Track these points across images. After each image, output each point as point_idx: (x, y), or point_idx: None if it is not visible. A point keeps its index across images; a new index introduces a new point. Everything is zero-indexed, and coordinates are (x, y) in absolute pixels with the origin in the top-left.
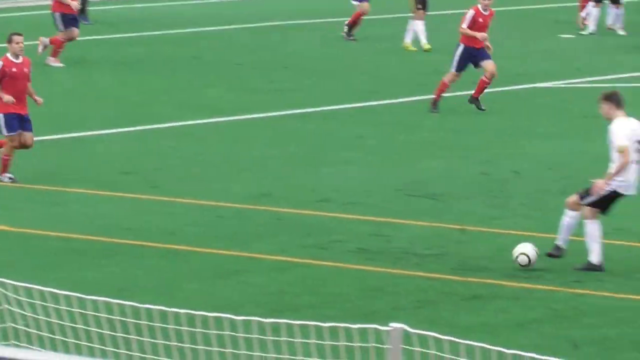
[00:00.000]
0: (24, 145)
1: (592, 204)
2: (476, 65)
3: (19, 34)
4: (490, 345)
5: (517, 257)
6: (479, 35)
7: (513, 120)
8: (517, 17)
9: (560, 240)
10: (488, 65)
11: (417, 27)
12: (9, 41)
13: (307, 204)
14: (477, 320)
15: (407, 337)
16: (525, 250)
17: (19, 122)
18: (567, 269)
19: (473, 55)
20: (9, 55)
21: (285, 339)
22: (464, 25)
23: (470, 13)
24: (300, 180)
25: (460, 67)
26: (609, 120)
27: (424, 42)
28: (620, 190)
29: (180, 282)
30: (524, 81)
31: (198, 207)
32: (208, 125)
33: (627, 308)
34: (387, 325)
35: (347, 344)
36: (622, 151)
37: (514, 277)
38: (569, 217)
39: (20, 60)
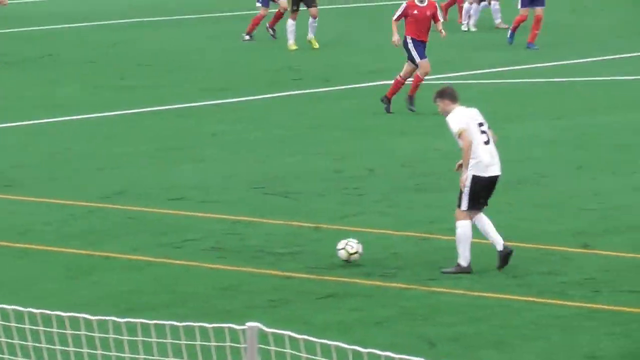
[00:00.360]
0: None
1: (470, 204)
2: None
3: None
4: (346, 344)
5: (338, 251)
6: (394, 38)
7: (367, 117)
8: (374, 12)
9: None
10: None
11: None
12: None
13: (161, 203)
14: (332, 318)
15: (263, 336)
16: (342, 246)
17: None
18: (421, 267)
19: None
20: None
21: (141, 338)
22: (394, 17)
23: (402, 5)
24: (155, 178)
25: (422, 54)
26: (446, 115)
27: (291, 43)
28: (479, 173)
29: (34, 281)
30: (379, 77)
31: (52, 205)
32: (62, 123)
33: (483, 306)
34: (243, 324)
35: (203, 343)
36: (461, 134)
37: (368, 275)
38: (468, 228)
39: None
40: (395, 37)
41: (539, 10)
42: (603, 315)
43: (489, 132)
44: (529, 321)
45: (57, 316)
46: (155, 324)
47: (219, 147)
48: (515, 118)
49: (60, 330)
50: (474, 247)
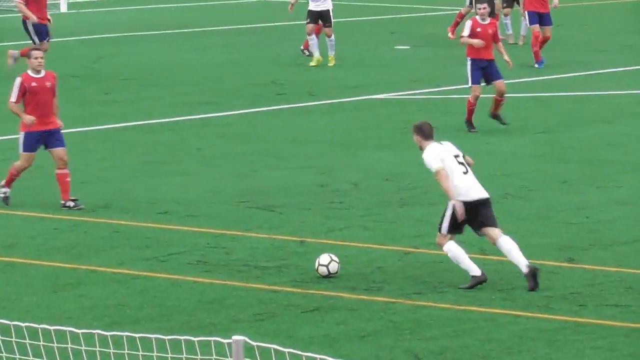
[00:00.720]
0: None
1: (450, 229)
2: (487, 82)
3: (38, 49)
4: (332, 357)
5: (317, 268)
6: (474, 42)
7: (350, 132)
8: (353, 28)
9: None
10: (497, 84)
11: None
12: (28, 57)
13: (146, 216)
14: (318, 332)
15: (248, 350)
16: (324, 262)
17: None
18: (406, 281)
19: (482, 68)
20: (29, 71)
21: (127, 352)
22: (464, 34)
23: (468, 23)
24: (140, 192)
25: (476, 80)
26: (421, 150)
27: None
28: (461, 198)
29: (19, 295)
30: (363, 92)
31: (36, 219)
32: None
33: (468, 319)
34: (229, 338)
35: (190, 356)
36: (438, 173)
37: (353, 289)
38: (454, 247)
39: (41, 74)
40: (475, 41)
41: (546, 30)
42: (588, 329)
43: (465, 161)
44: (514, 335)
45: (44, 329)
46: (142, 338)
47: (203, 161)
48: (500, 132)
49: (48, 344)
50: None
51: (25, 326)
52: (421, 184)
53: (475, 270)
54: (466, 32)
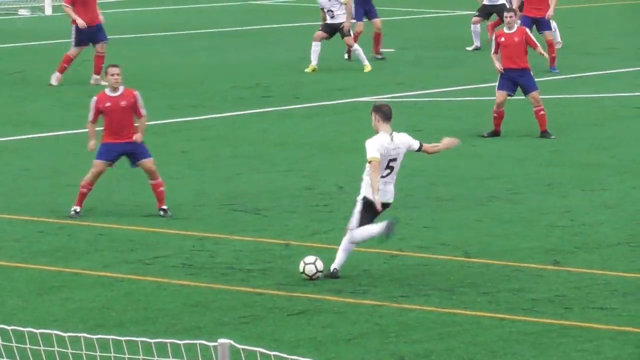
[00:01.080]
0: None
1: (359, 223)
2: (524, 93)
3: (115, 66)
4: None
5: (303, 268)
6: (496, 65)
7: (335, 135)
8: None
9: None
10: (530, 96)
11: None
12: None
13: (131, 219)
14: (303, 335)
15: (234, 353)
16: (310, 260)
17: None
18: (392, 284)
19: (512, 77)
20: (106, 89)
21: (113, 354)
22: (492, 52)
23: (493, 38)
24: (125, 195)
25: (500, 86)
26: (376, 132)
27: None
28: (368, 196)
29: (3, 298)
30: (348, 95)
31: (21, 222)
32: (31, 140)
33: (453, 322)
34: (214, 341)
35: (175, 359)
36: (371, 162)
37: (339, 292)
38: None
39: (118, 92)
40: (497, 65)
41: (546, 34)
42: (574, 332)
43: (397, 165)
44: (499, 338)
45: (30, 332)
46: (127, 341)
47: (188, 164)
48: (492, 137)
49: (34, 347)
50: (443, 265)
51: (11, 329)
52: (407, 187)
53: (337, 264)
54: (492, 47)
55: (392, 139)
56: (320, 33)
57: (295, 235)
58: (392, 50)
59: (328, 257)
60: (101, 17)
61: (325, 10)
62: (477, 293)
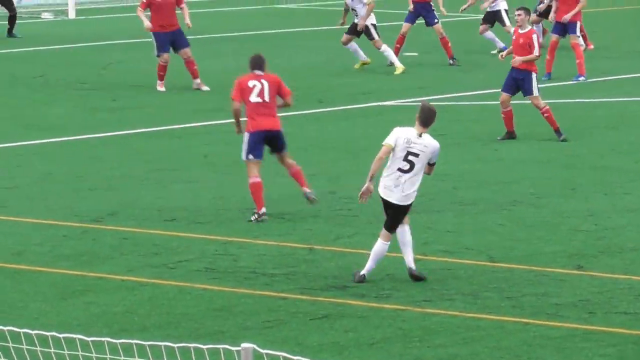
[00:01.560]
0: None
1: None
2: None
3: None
4: None
5: None
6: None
7: (360, 138)
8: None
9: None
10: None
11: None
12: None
13: (154, 223)
14: (327, 339)
15: (257, 357)
16: None
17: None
18: (416, 288)
19: (515, 79)
20: None
21: (137, 359)
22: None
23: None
24: (147, 199)
25: (503, 87)
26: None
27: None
28: (381, 194)
29: (27, 302)
30: (372, 99)
31: (45, 226)
32: (54, 144)
33: (477, 327)
34: (237, 345)
35: None
36: (381, 148)
37: (362, 297)
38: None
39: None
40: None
41: (571, 37)
42: (597, 337)
43: (418, 164)
44: (523, 342)
45: (54, 337)
46: (151, 345)
47: (211, 168)
48: (507, 140)
49: (58, 351)
50: (468, 268)
51: (35, 333)
52: (430, 191)
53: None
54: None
55: (419, 136)
56: (346, 36)
57: (319, 239)
58: (415, 54)
59: (352, 261)
60: (187, 22)
61: (350, 9)
62: (501, 297)
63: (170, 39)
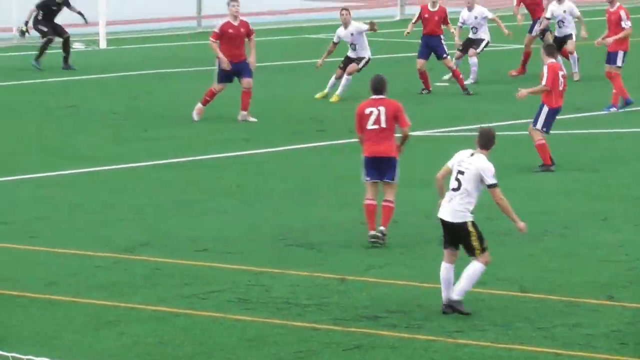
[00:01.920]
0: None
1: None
2: None
3: None
4: None
5: None
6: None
7: None
8: (392, 64)
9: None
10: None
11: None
12: None
13: (185, 254)
14: None
15: None
16: None
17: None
18: (447, 319)
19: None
20: None
21: None
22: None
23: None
24: (178, 229)
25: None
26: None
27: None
28: (438, 213)
29: (60, 332)
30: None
31: (77, 257)
32: (85, 174)
33: (508, 357)
34: None
35: None
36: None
37: (394, 327)
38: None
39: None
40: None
41: (610, 67)
42: None
43: (465, 184)
44: None
45: None
46: None
47: (241, 199)
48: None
49: None
50: (499, 300)
51: None
52: None
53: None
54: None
55: (470, 155)
56: (339, 70)
57: (351, 270)
58: (446, 84)
59: (384, 292)
60: (252, 60)
61: (349, 44)
62: (533, 328)
63: (234, 69)
